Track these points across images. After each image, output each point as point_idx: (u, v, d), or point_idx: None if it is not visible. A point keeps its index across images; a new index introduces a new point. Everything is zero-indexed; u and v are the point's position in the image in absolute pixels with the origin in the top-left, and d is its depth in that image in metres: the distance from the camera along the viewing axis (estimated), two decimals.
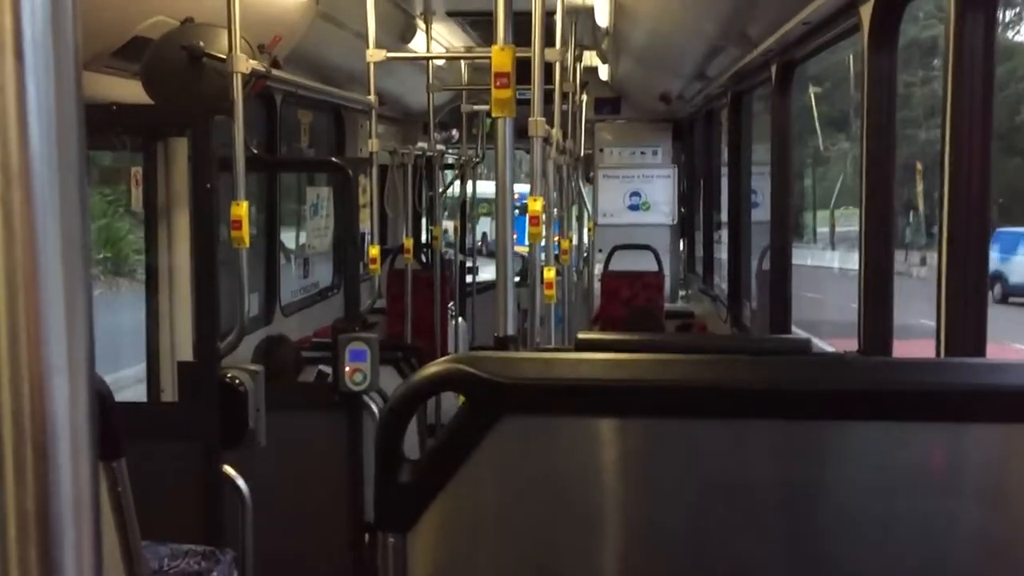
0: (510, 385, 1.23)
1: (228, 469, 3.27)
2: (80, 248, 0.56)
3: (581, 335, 2.41)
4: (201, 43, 3.51)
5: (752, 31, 4.79)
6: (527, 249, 3.67)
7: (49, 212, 0.54)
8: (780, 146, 5.07)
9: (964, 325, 2.39)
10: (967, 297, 2.39)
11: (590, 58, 8.25)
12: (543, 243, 4.06)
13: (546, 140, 4.05)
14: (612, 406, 1.25)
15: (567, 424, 1.26)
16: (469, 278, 9.01)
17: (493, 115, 2.48)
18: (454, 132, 9.90)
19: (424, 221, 9.23)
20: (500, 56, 2.38)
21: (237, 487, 3.29)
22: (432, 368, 1.28)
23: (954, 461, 1.22)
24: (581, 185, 8.89)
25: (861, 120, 3.32)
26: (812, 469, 1.23)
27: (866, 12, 3.24)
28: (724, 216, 7.31)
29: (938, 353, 2.46)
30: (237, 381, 3.27)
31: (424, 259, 8.22)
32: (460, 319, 8.35)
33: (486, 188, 9.19)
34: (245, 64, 3.45)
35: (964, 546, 1.19)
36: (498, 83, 2.40)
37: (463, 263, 8.75)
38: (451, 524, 1.27)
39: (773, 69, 4.89)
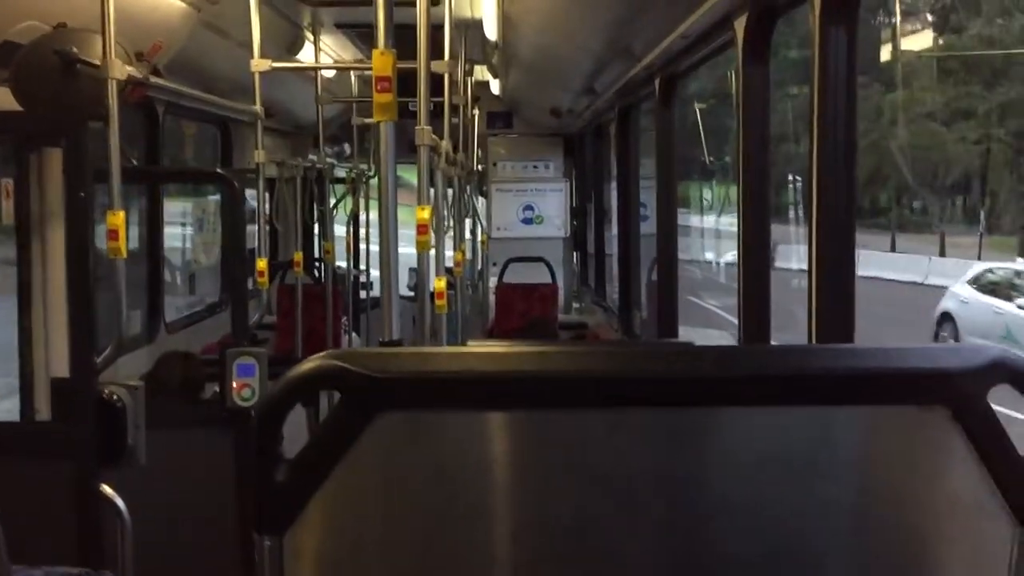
0: (385, 379, 1.22)
1: (105, 488, 3.16)
2: None
3: (472, 343, 2.43)
4: (75, 48, 3.40)
5: (636, 46, 4.91)
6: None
7: None
8: (665, 158, 5.21)
9: (833, 312, 2.50)
10: (836, 286, 2.52)
11: (481, 72, 8.30)
12: (433, 253, 4.05)
13: (434, 150, 4.06)
14: (491, 399, 1.25)
15: (444, 418, 1.26)
16: (364, 293, 8.92)
17: (375, 119, 2.47)
18: (346, 146, 9.82)
19: (316, 235, 9.11)
20: (380, 60, 2.38)
21: (116, 506, 3.18)
22: (306, 364, 1.25)
23: (823, 443, 1.26)
24: (475, 199, 8.92)
25: (737, 131, 3.44)
26: (689, 456, 1.26)
27: (740, 25, 3.36)
28: (615, 228, 7.44)
29: (809, 339, 2.56)
30: (115, 397, 3.17)
31: (317, 274, 8.09)
32: (354, 334, 8.25)
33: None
34: (121, 70, 3.35)
35: (834, 524, 1.23)
36: (379, 87, 2.40)
37: (356, 277, 8.67)
38: (330, 523, 1.25)
39: (656, 83, 5.02)
